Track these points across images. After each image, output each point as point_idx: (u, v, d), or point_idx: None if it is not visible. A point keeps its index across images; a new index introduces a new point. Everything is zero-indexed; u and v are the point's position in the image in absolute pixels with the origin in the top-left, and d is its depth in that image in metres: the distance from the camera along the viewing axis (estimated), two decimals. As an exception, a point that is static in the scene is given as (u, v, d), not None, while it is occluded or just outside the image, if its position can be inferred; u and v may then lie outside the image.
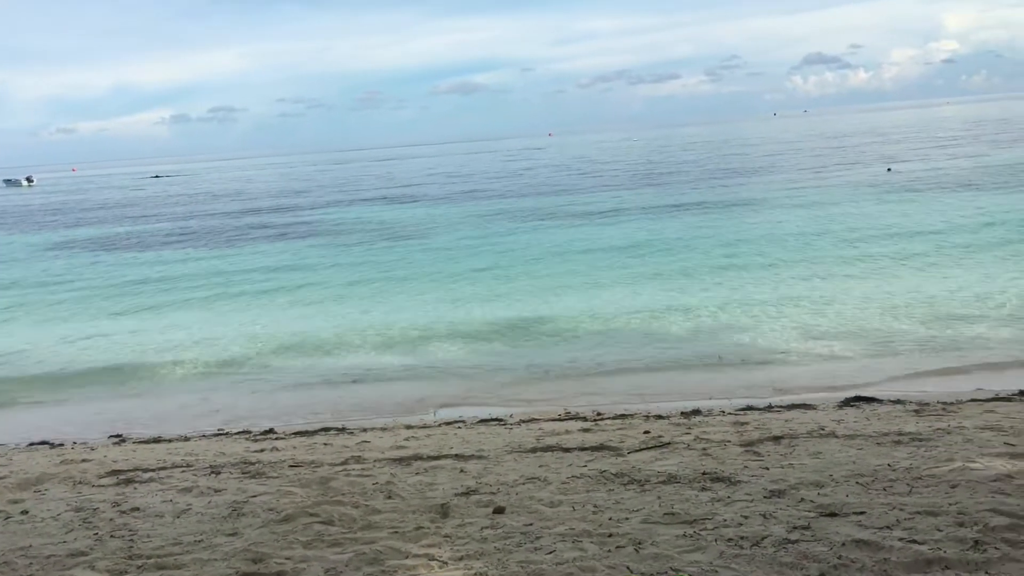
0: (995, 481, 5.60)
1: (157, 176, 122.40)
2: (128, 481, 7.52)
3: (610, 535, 5.13)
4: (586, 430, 8.80)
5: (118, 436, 10.72)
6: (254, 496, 6.59)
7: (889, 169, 43.22)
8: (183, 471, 7.83)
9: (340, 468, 7.51)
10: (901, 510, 5.18)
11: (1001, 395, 9.57)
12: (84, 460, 8.78)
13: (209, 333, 16.83)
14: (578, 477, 6.58)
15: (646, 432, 8.34)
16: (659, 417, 9.44)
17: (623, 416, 9.70)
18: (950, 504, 5.21)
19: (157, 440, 10.21)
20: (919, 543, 4.62)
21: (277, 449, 8.84)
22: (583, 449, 7.66)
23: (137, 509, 6.48)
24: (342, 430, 10.07)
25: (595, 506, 5.75)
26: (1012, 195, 29.46)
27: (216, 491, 6.88)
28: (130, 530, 5.93)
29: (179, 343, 16.12)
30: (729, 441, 7.59)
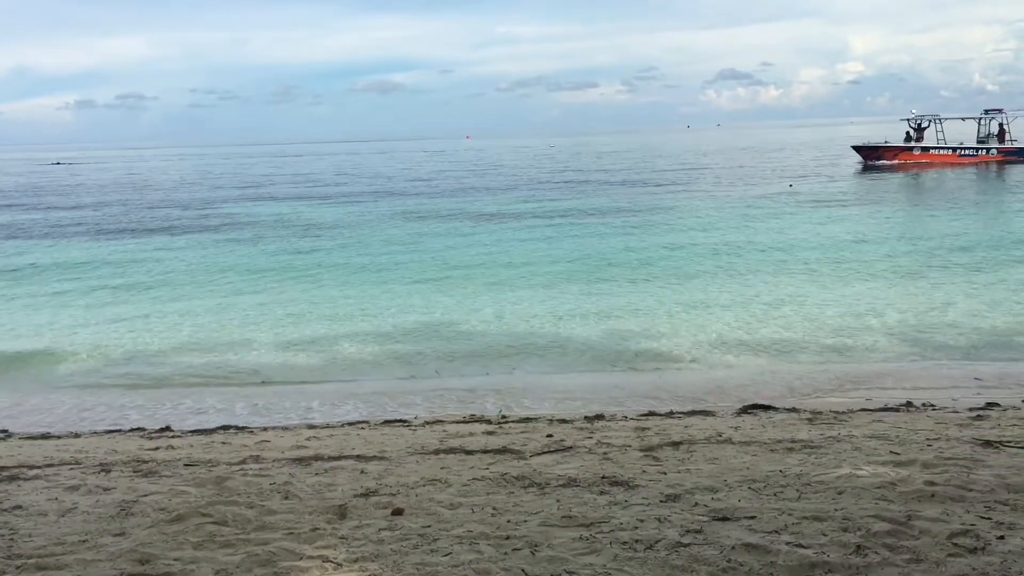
0: (879, 488, 5.81)
1: (58, 163, 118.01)
2: (12, 478, 7.19)
3: (507, 537, 5.15)
4: (490, 432, 8.81)
5: (3, 431, 10.27)
6: (145, 495, 6.39)
7: (791, 185, 44.61)
8: (71, 468, 7.54)
9: (237, 467, 7.34)
10: (790, 515, 5.33)
11: (889, 405, 9.96)
12: (-35, 456, 8.38)
13: (97, 327, 16.27)
14: (479, 479, 6.58)
15: (549, 436, 8.39)
16: (563, 421, 9.51)
17: (527, 419, 9.74)
18: (836, 510, 5.38)
19: (46, 436, 9.81)
20: (805, 547, 4.76)
21: (173, 447, 8.59)
22: (486, 452, 7.66)
23: (19, 507, 6.21)
24: (242, 429, 9.86)
25: (494, 508, 5.76)
26: (908, 211, 30.76)
27: (105, 490, 6.64)
28: (11, 529, 5.67)
29: (67, 336, 15.54)
30: (630, 446, 7.69)
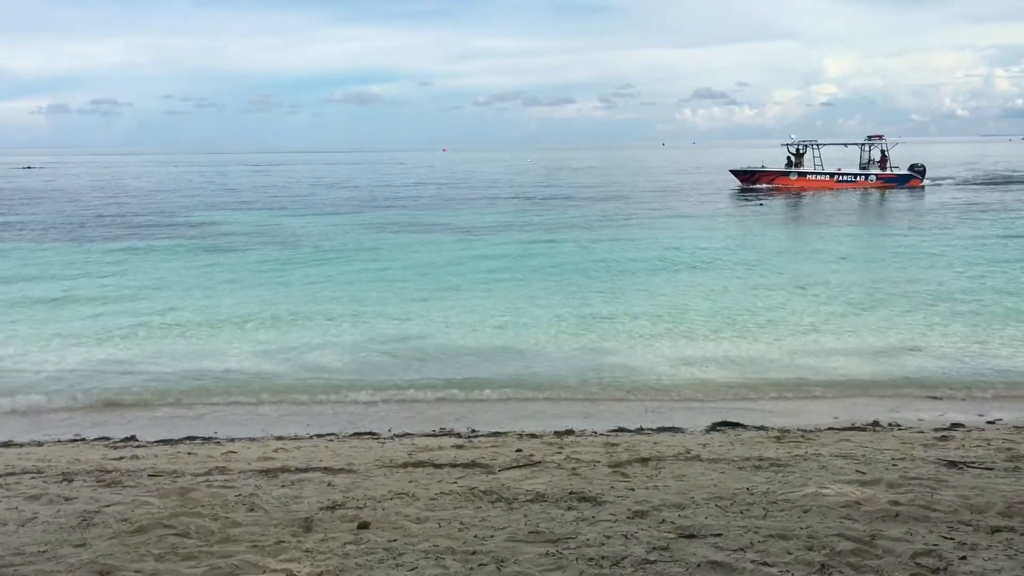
0: (844, 507, 5.85)
1: (29, 167, 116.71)
2: (-30, 487, 7.07)
3: (474, 552, 5.12)
4: (459, 446, 8.79)
5: (-36, 439, 10.09)
6: (107, 505, 6.30)
7: (761, 204, 45.05)
8: (32, 477, 7.42)
9: (202, 479, 7.26)
10: (756, 533, 5.35)
11: (856, 424, 10.05)
12: (-77, 463, 8.23)
13: (63, 336, 16.04)
14: (447, 493, 6.55)
15: (518, 450, 8.38)
16: (533, 436, 9.51)
17: (497, 434, 9.73)
18: (801, 528, 5.41)
19: (7, 444, 9.65)
20: (770, 565, 4.78)
21: (137, 457, 8.49)
22: (455, 465, 7.63)
23: (-23, 517, 6.10)
24: (208, 439, 9.76)
25: (461, 523, 5.73)
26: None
27: (66, 499, 6.54)
28: (-32, 539, 5.57)
29: (32, 343, 15.32)
30: (599, 462, 7.70)
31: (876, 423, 10.12)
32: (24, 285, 21.84)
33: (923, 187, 53.88)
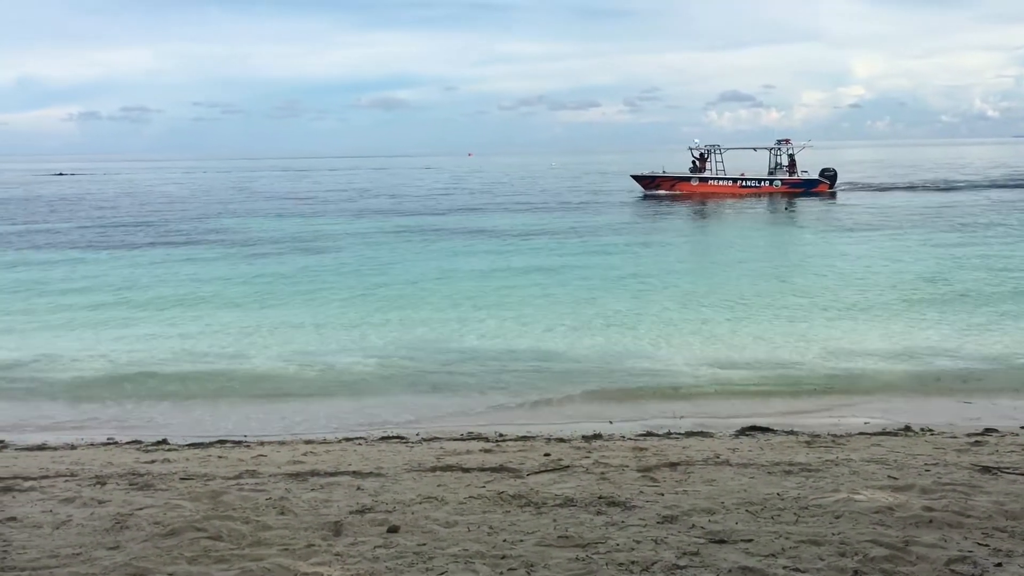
0: (877, 513, 5.79)
1: (61, 174, 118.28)
2: (7, 490, 7.16)
3: (503, 557, 5.12)
4: (487, 451, 8.80)
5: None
6: (140, 509, 6.37)
7: (787, 208, 44.74)
8: (67, 480, 7.51)
9: (233, 482, 7.31)
10: (787, 539, 5.30)
11: (888, 429, 9.94)
12: (-40, 466, 8.36)
13: (96, 338, 16.24)
14: (476, 498, 6.56)
15: (546, 455, 8.38)
16: (561, 440, 9.50)
17: (525, 438, 9.72)
18: (833, 534, 5.36)
19: (42, 447, 9.78)
20: (802, 571, 4.74)
21: (169, 460, 8.57)
22: (483, 470, 7.64)
23: (14, 519, 6.18)
24: (239, 443, 9.83)
25: (490, 527, 5.73)
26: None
27: (100, 502, 6.62)
28: (4, 540, 5.65)
29: (66, 347, 15.52)
30: (627, 466, 7.67)
31: (908, 428, 10.00)
32: (63, 288, 22.18)
33: (833, 192, 52.45)
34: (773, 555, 5.01)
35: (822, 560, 4.91)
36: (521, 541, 5.42)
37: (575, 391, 12.51)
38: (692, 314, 17.72)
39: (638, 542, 5.33)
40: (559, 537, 5.47)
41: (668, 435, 9.84)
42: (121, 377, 13.60)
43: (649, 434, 9.95)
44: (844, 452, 8.23)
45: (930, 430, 9.92)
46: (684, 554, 5.08)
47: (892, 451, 8.27)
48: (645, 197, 53.27)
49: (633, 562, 4.97)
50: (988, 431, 9.75)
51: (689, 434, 9.88)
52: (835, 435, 9.47)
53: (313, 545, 5.43)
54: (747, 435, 9.76)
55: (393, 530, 5.71)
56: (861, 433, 9.71)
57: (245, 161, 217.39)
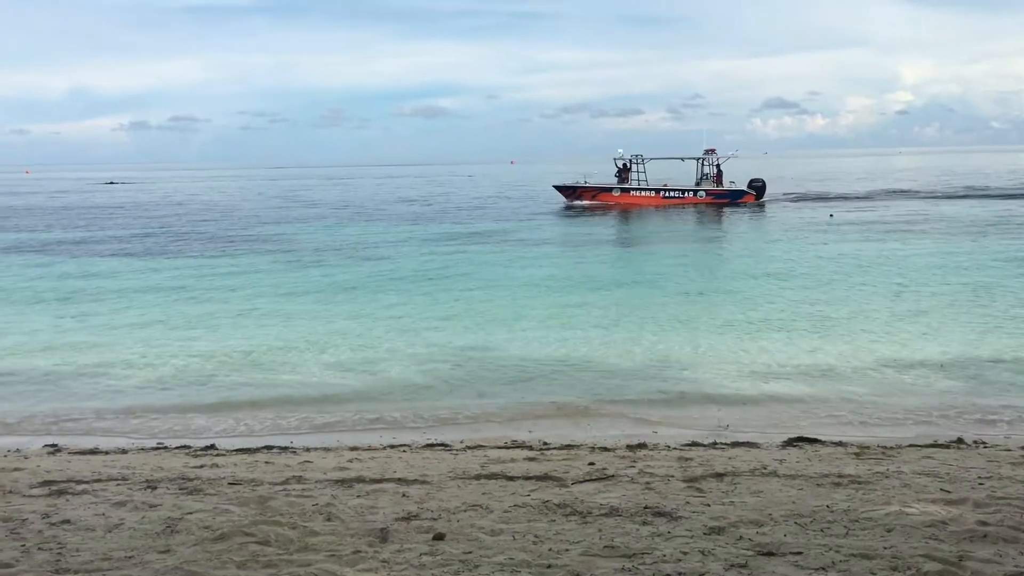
0: (929, 527, 5.68)
1: (112, 182, 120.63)
2: (60, 492, 7.32)
3: (549, 566, 5.11)
4: (531, 459, 8.78)
5: (53, 446, 10.45)
6: (190, 513, 6.46)
7: (831, 215, 44.01)
8: (118, 484, 7.65)
9: (280, 488, 7.39)
10: (837, 552, 5.22)
11: (940, 441, 9.74)
12: (16, 469, 8.55)
13: (147, 344, 16.53)
14: (520, 506, 6.55)
15: (591, 464, 8.34)
16: (605, 449, 9.45)
17: (569, 446, 9.69)
18: (885, 548, 5.27)
19: (94, 451, 9.97)
20: (853, 585, 4.67)
21: (217, 466, 8.68)
22: (527, 478, 7.63)
23: (68, 522, 6.31)
24: (285, 449, 9.93)
25: (536, 536, 5.72)
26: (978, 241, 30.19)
27: (151, 506, 6.73)
28: (59, 543, 5.76)
29: (118, 352, 15.81)
30: (673, 476, 7.61)
31: (960, 440, 9.80)
32: (117, 293, 22.59)
33: (761, 203, 51.28)
34: (823, 568, 4.94)
35: (873, 574, 4.84)
36: (567, 550, 5.40)
37: (618, 398, 12.46)
38: (739, 323, 17.54)
39: (685, 553, 5.28)
40: (605, 547, 5.45)
41: (713, 445, 9.74)
42: (170, 381, 13.83)
43: (694, 444, 9.86)
44: (894, 464, 8.08)
45: (983, 442, 9.71)
46: (732, 566, 5.02)
47: (944, 464, 8.11)
48: (567, 207, 52.66)
49: (680, 573, 4.93)
50: (1044, 444, 9.52)
51: (735, 444, 9.77)
52: (885, 447, 9.30)
53: (360, 551, 5.47)
54: (794, 446, 9.62)
55: (439, 537, 5.73)
56: (912, 445, 9.52)
57: (291, 170, 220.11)
